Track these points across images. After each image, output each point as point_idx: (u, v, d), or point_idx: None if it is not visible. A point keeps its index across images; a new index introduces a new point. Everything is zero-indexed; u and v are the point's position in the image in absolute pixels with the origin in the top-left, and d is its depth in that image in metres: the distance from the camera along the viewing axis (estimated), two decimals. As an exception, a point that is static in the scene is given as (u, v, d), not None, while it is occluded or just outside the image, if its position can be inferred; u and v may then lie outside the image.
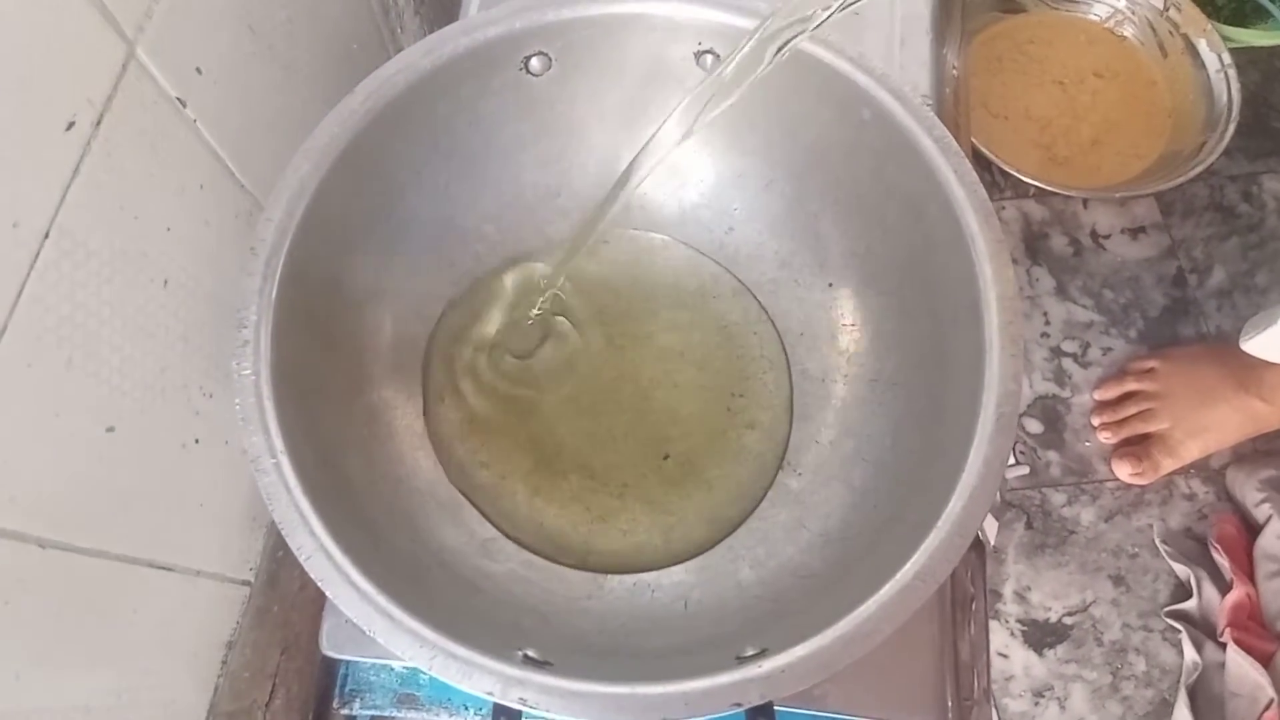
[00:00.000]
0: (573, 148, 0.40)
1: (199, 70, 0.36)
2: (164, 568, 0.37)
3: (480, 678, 0.25)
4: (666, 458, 0.39)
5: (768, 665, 0.25)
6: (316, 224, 0.31)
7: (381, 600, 0.26)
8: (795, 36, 0.27)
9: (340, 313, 0.35)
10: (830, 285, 0.39)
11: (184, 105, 0.35)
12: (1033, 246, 0.77)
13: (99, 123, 0.30)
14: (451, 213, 0.39)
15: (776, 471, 0.37)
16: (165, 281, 0.35)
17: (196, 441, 0.39)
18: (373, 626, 0.25)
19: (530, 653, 0.27)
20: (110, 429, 0.33)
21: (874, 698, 0.36)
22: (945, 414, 0.31)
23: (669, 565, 0.35)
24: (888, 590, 0.26)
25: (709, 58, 0.37)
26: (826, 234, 0.39)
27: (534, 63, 0.36)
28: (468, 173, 0.39)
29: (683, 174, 0.41)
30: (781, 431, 0.38)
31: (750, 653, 0.27)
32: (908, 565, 0.26)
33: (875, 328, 0.38)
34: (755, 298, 0.41)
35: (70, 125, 0.29)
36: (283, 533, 0.26)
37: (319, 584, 0.26)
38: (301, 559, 0.26)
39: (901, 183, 0.34)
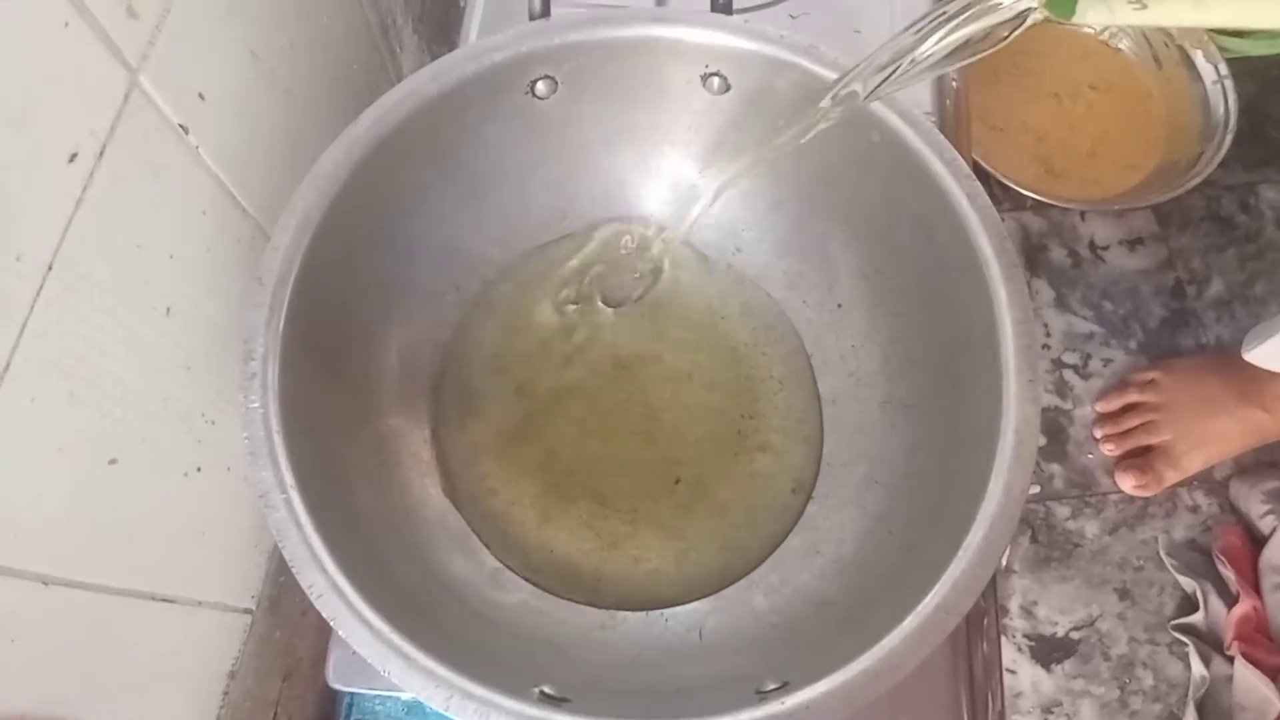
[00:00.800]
0: (579, 170, 0.40)
1: (201, 96, 0.35)
2: (166, 600, 0.37)
3: (499, 719, 0.24)
4: (678, 482, 0.38)
5: (790, 702, 0.25)
6: (323, 253, 0.31)
7: (396, 639, 0.25)
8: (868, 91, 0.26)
9: (347, 341, 0.34)
10: (840, 306, 0.39)
11: (187, 132, 0.34)
12: (1032, 258, 0.77)
13: (101, 154, 0.30)
14: (457, 237, 0.39)
15: (789, 495, 0.37)
16: (168, 310, 0.34)
17: (199, 470, 0.38)
18: (388, 666, 0.25)
19: (547, 689, 0.27)
20: (113, 461, 0.32)
21: (888, 724, 0.35)
22: (961, 439, 0.31)
23: (682, 602, 0.34)
24: (910, 622, 0.26)
25: (715, 80, 0.37)
26: (835, 255, 0.39)
27: (540, 86, 0.36)
28: (473, 197, 0.38)
29: (690, 198, 0.41)
30: (793, 454, 0.38)
31: (771, 687, 0.26)
32: (929, 597, 0.26)
33: (886, 349, 0.37)
34: (764, 317, 0.41)
35: (73, 157, 0.28)
36: (293, 570, 0.26)
37: (331, 623, 0.25)
38: (313, 598, 0.25)
39: (912, 205, 0.34)
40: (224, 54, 0.37)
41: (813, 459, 0.38)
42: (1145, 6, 0.19)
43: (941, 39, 0.23)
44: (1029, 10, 0.20)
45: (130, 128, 0.31)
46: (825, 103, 0.28)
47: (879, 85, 0.26)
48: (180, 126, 0.34)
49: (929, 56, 0.24)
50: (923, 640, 0.26)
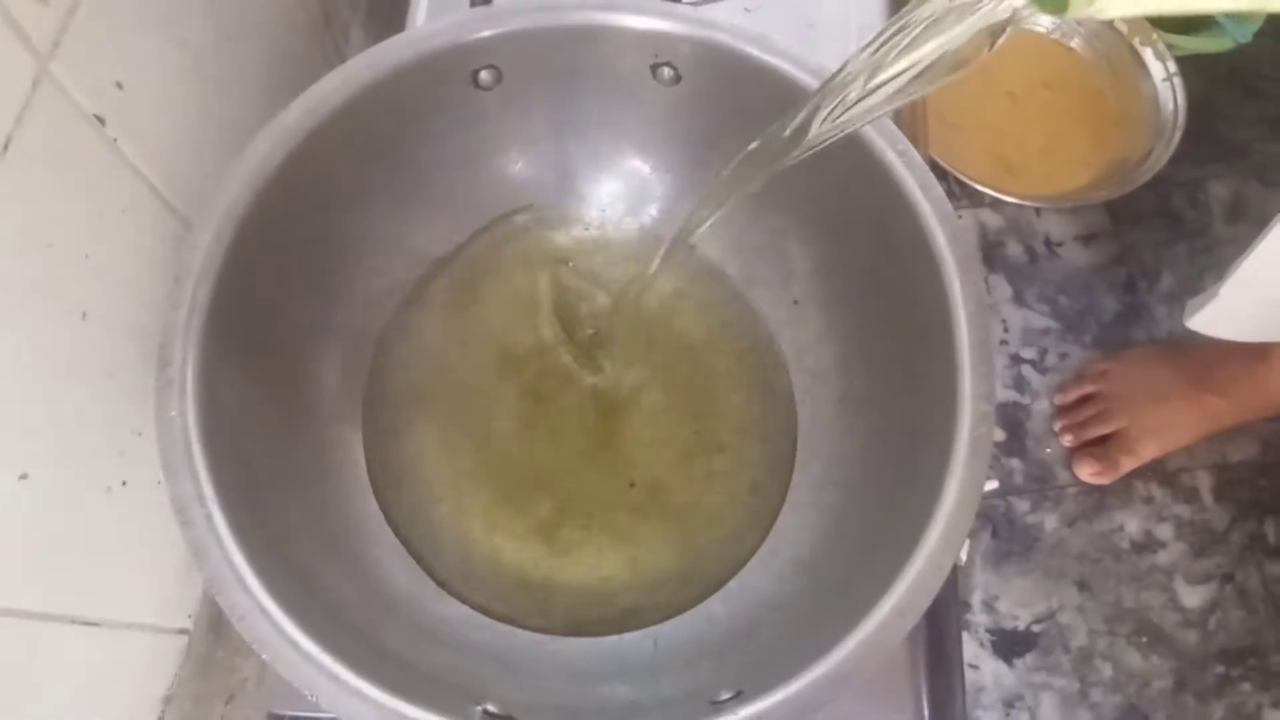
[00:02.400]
0: (526, 162, 0.39)
1: (119, 85, 0.33)
2: (90, 623, 0.34)
3: (436, 742, 0.23)
4: (632, 485, 0.37)
5: (744, 712, 0.24)
6: (248, 250, 0.29)
7: (326, 660, 0.24)
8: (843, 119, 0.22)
9: (278, 345, 0.32)
10: (796, 303, 0.38)
11: (103, 123, 0.32)
12: (990, 255, 0.77)
13: (7, 146, 0.28)
14: (398, 232, 0.37)
15: (747, 495, 0.36)
16: (84, 314, 0.32)
17: (124, 484, 0.36)
18: (316, 690, 0.23)
19: (490, 707, 0.25)
20: (23, 476, 0.30)
21: (850, 726, 0.34)
22: (917, 435, 0.30)
23: (639, 611, 0.33)
24: (866, 625, 0.25)
25: (666, 70, 0.36)
26: (791, 251, 0.38)
27: (483, 76, 0.35)
28: (415, 190, 0.37)
29: (641, 193, 0.40)
30: (750, 454, 0.37)
31: (725, 697, 0.25)
32: (886, 598, 0.25)
33: (842, 346, 0.37)
34: (718, 315, 0.40)
35: (-29, 149, 0.26)
36: (212, 591, 0.24)
37: (254, 646, 0.24)
38: (234, 620, 0.24)
39: (866, 199, 0.33)
40: (147, 42, 0.35)
41: (770, 459, 0.37)
42: None
43: (912, 55, 0.19)
44: (1018, 10, 0.16)
45: (39, 119, 0.29)
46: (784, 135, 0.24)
47: (833, 120, 0.22)
48: (96, 117, 0.32)
49: (895, 79, 0.19)
50: (879, 644, 0.25)
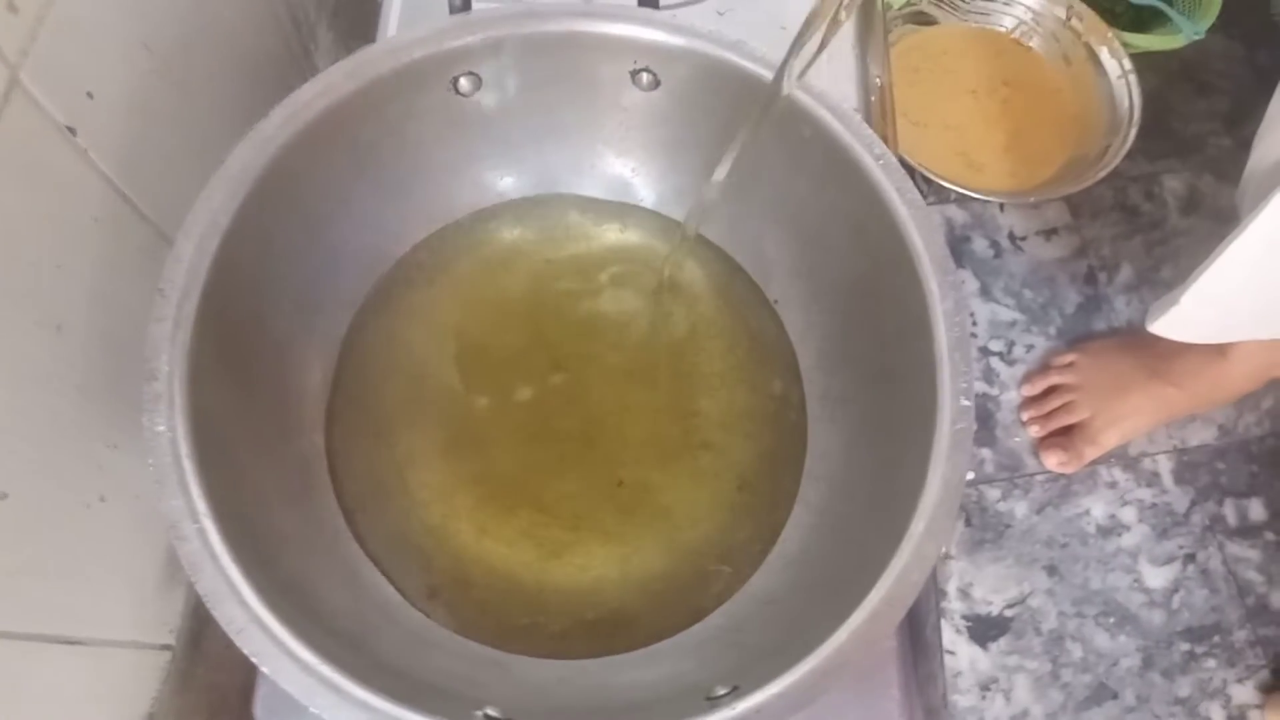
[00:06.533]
0: (507, 168, 0.39)
1: (90, 95, 0.33)
2: (71, 642, 0.34)
3: (439, 748, 0.23)
4: (620, 484, 0.37)
5: (741, 706, 0.25)
6: (232, 261, 0.29)
7: (325, 670, 0.24)
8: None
9: (264, 355, 0.32)
10: (775, 302, 0.39)
11: (74, 133, 0.32)
12: (957, 250, 0.79)
13: (-24, 157, 0.27)
14: (380, 240, 0.37)
15: (734, 493, 0.37)
16: (58, 326, 0.32)
17: (102, 499, 0.35)
18: (316, 701, 0.23)
19: (491, 711, 0.26)
20: (3, 496, 0.29)
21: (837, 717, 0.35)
22: (898, 431, 0.31)
23: (629, 633, 0.33)
24: (857, 617, 0.26)
25: (644, 76, 0.36)
26: (769, 252, 0.39)
27: (463, 83, 0.35)
28: (398, 198, 0.37)
29: (622, 195, 0.41)
30: (736, 451, 0.38)
31: (721, 692, 0.26)
32: (874, 591, 0.26)
33: (821, 344, 0.37)
34: (701, 314, 0.41)
35: (-58, 162, 0.25)
36: (209, 605, 0.24)
37: (254, 659, 0.23)
38: (232, 633, 0.24)
39: (843, 201, 0.34)
40: (114, 49, 0.34)
41: (755, 455, 0.38)
42: None
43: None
44: None
45: (11, 130, 0.29)
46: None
47: (795, 78, 0.31)
48: (67, 128, 0.31)
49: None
50: (870, 635, 0.26)
